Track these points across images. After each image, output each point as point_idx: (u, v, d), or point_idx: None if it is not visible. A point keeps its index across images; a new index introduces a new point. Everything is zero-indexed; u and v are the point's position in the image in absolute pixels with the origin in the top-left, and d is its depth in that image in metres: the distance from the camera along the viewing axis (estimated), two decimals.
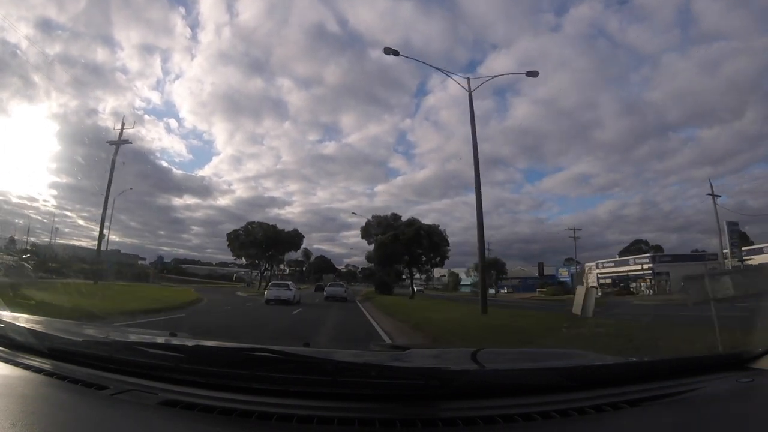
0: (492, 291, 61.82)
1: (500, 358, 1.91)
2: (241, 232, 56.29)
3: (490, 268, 59.51)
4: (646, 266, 48.69)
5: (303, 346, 1.68)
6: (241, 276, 74.58)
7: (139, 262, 63.53)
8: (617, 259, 56.61)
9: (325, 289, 34.47)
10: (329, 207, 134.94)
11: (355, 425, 1.01)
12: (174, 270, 69.73)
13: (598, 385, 1.25)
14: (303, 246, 67.66)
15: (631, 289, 48.43)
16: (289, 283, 27.26)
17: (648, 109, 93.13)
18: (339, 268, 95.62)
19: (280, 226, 59.10)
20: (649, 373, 1.38)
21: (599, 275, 53.86)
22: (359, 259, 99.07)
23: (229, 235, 56.52)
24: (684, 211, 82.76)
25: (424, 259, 48.41)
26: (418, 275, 52.72)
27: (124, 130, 30.13)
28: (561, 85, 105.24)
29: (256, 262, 58.21)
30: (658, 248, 56.64)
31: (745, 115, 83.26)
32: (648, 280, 47.84)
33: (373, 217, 53.33)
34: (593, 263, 56.56)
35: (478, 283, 62.50)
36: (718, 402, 1.24)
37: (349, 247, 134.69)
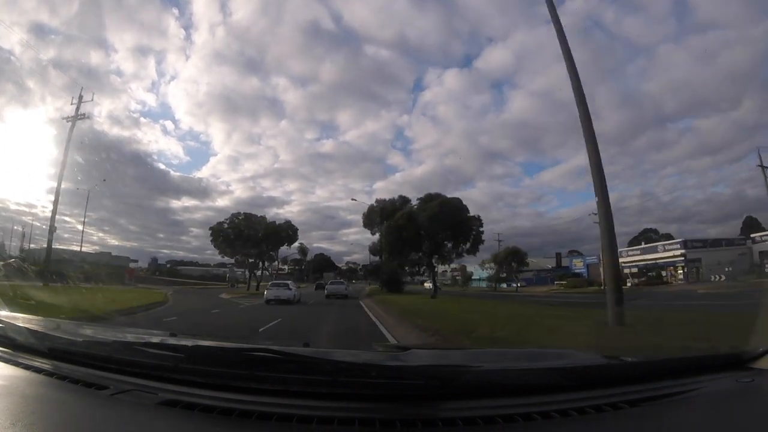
0: (504, 285, 55.90)
1: (500, 358, 1.91)
2: (226, 225, 49.14)
3: (510, 258, 53.10)
4: (677, 253, 43.67)
5: (303, 346, 1.68)
6: (231, 275, 68.95)
7: (131, 264, 61.39)
8: (644, 246, 51.26)
9: (326, 287, 34.43)
10: (328, 205, 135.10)
11: (355, 425, 1.01)
12: (168, 272, 67.58)
13: (598, 385, 1.25)
14: (299, 241, 61.20)
15: (664, 278, 44.25)
16: (289, 282, 27.04)
17: (645, 100, 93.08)
18: (339, 266, 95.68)
19: (273, 220, 52.09)
20: (649, 373, 1.38)
21: (624, 264, 49.68)
22: (360, 257, 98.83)
23: (212, 228, 49.26)
24: (683, 201, 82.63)
25: (449, 245, 35.43)
26: (425, 268, 41.17)
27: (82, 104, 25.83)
28: (558, 77, 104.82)
29: (244, 259, 51.43)
30: (668, 237, 52.54)
31: (743, 104, 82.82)
32: (681, 268, 43.26)
33: (377, 201, 43.50)
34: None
35: (494, 276, 56.37)
36: (718, 402, 1.24)
37: (349, 245, 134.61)
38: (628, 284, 42.97)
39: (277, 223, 52.43)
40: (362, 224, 43.48)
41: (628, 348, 5.98)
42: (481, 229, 35.64)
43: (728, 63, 75.63)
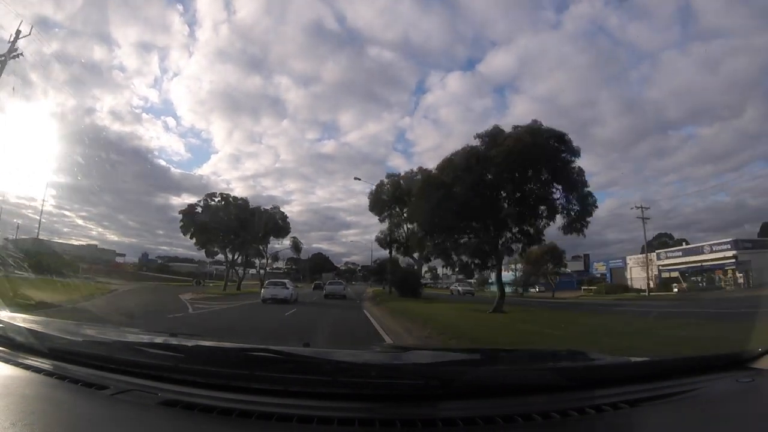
0: (533, 289, 47.53)
1: (500, 358, 1.91)
2: (199, 208, 39.15)
3: (547, 257, 40.66)
4: (728, 254, 37.41)
5: (303, 346, 1.68)
6: (200, 270, 60.50)
7: (117, 258, 59.69)
8: (685, 247, 44.19)
9: (325, 287, 34.73)
10: (328, 206, 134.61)
11: (355, 425, 1.01)
12: (157, 268, 64.48)
13: (598, 385, 1.25)
14: (291, 236, 50.99)
15: (718, 283, 38.34)
16: (286, 281, 26.44)
17: (648, 107, 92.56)
18: (338, 266, 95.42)
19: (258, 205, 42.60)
20: (649, 373, 1.38)
21: (661, 267, 43.39)
22: (358, 258, 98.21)
23: (183, 212, 39.15)
24: (682, 209, 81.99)
25: (541, 210, 17.56)
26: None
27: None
28: (560, 82, 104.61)
29: (220, 250, 41.04)
30: (684, 242, 47.72)
31: (745, 112, 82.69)
32: (732, 271, 37.22)
33: (388, 177, 34.40)
34: (653, 253, 44.11)
35: (521, 279, 45.54)
36: (718, 402, 1.24)
37: (349, 244, 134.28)
38: (674, 290, 38.39)
39: (263, 208, 42.49)
40: (369, 207, 35.08)
41: None
42: (587, 189, 17.17)
43: (732, 71, 75.29)
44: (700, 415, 1.14)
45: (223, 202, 40.19)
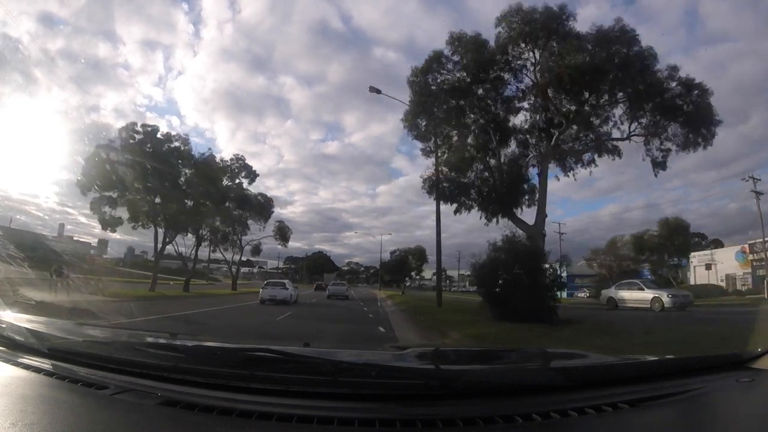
0: (581, 294, 35.84)
1: (500, 358, 1.91)
2: (112, 151, 22.51)
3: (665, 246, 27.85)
4: None
5: (303, 346, 1.68)
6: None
7: (92, 251, 52.37)
8: None
9: (328, 287, 34.81)
10: (331, 207, 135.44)
11: (355, 425, 1.01)
12: (140, 264, 57.61)
13: (598, 385, 1.25)
14: (276, 221, 39.81)
15: None
16: (286, 281, 25.47)
17: None
18: (340, 266, 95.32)
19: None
20: (649, 373, 1.39)
21: (756, 263, 33.51)
22: (360, 259, 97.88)
23: (87, 160, 22.62)
24: (687, 215, 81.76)
25: None
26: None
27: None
28: None
29: (141, 220, 24.97)
30: (717, 242, 42.85)
31: (751, 118, 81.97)
32: None
33: (451, 42, 15.28)
34: (715, 250, 36.90)
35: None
36: (718, 402, 1.24)
37: (351, 248, 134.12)
38: None
39: (223, 161, 28.62)
40: (402, 119, 17.10)
41: None
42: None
43: (737, 75, 74.44)
44: (700, 415, 1.14)
45: (149, 146, 22.79)
